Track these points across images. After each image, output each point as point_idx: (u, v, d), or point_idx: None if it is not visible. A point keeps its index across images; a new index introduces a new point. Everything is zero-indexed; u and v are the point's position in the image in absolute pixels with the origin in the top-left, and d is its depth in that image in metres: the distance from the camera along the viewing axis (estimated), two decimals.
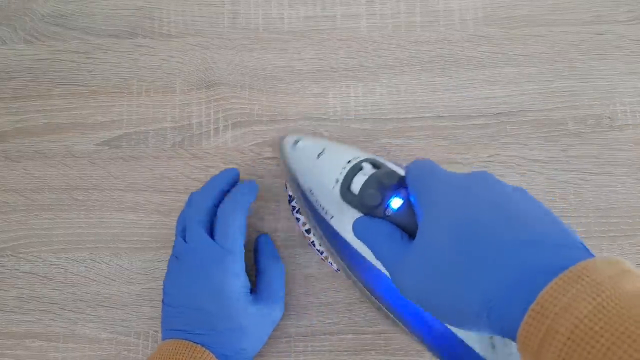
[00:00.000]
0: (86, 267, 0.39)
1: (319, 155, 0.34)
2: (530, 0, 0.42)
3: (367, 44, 0.42)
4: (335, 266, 0.38)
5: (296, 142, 0.36)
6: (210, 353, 0.32)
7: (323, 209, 0.33)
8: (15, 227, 0.40)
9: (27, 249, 0.40)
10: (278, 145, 0.38)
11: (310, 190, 0.34)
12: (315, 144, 0.36)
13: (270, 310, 0.35)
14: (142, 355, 0.38)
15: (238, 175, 0.38)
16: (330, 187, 0.32)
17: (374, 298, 0.33)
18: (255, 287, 0.36)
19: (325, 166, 0.33)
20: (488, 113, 0.41)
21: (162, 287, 0.38)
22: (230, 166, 0.40)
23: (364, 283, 0.33)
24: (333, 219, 0.33)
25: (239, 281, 0.34)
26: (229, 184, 0.37)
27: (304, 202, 0.35)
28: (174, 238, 0.39)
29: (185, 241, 0.35)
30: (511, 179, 0.39)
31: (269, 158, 0.40)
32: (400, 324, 0.32)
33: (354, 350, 0.38)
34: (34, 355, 0.38)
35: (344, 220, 0.32)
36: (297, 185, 0.35)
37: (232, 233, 0.34)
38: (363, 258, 0.32)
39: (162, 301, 0.35)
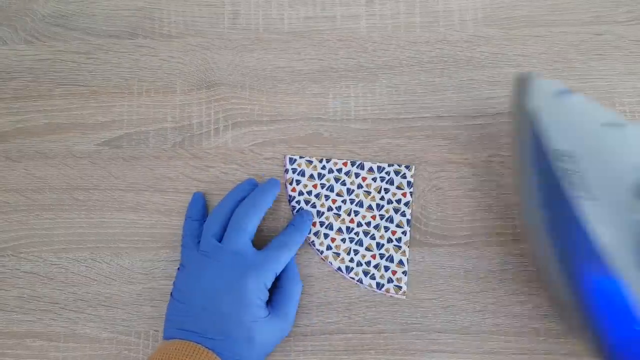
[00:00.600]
0: (87, 266, 0.39)
1: (610, 126, 0.28)
2: (529, 1, 0.42)
3: (366, 44, 0.42)
4: (335, 266, 0.38)
5: (563, 92, 0.30)
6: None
7: (582, 184, 0.28)
8: (16, 227, 0.40)
9: (28, 249, 0.40)
10: (518, 80, 0.34)
11: (568, 156, 0.28)
12: (603, 110, 0.30)
13: (282, 326, 0.35)
14: (142, 354, 0.38)
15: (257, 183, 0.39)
16: (623, 171, 0.27)
17: (572, 301, 0.28)
18: (270, 300, 0.36)
19: (625, 144, 0.28)
20: (488, 113, 0.41)
21: (162, 286, 0.39)
22: (231, 166, 0.40)
23: (578, 284, 0.28)
24: (590, 202, 0.27)
25: (262, 292, 0.34)
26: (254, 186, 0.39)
27: (536, 160, 0.30)
28: (174, 238, 0.39)
29: (218, 241, 0.35)
30: (511, 179, 0.39)
31: (269, 158, 0.40)
32: (588, 338, 0.28)
33: (354, 350, 0.38)
34: (34, 354, 0.38)
35: (610, 212, 0.27)
36: (536, 140, 0.30)
37: (243, 237, 0.35)
38: (599, 257, 0.27)
39: (172, 296, 0.35)
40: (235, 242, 0.35)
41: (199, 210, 0.39)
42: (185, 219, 0.39)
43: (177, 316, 0.34)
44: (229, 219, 0.36)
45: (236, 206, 0.37)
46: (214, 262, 0.34)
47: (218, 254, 0.34)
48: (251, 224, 0.36)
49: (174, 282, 0.36)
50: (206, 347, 0.32)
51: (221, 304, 0.33)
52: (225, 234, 0.35)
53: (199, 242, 0.36)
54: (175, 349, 0.32)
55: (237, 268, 0.34)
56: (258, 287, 0.34)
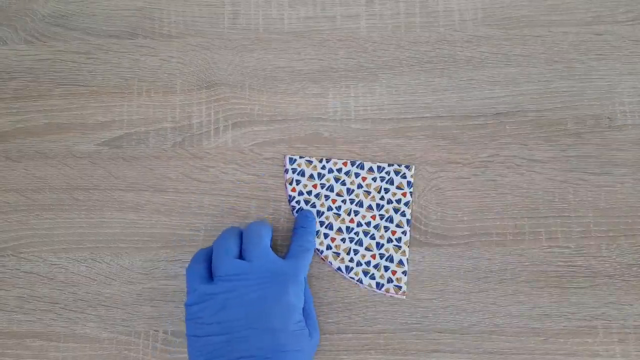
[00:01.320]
0: (87, 266, 0.39)
1: None
2: (529, 1, 0.42)
3: (366, 44, 0.42)
4: (335, 266, 0.38)
5: None
6: None
7: None
8: (16, 227, 0.40)
9: (28, 249, 0.40)
10: None
11: None
12: None
13: (314, 335, 0.35)
14: (142, 354, 0.38)
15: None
16: None
17: None
18: None
19: None
20: (488, 113, 0.41)
21: (162, 286, 0.39)
22: (231, 166, 0.40)
23: None
24: None
25: (301, 300, 0.34)
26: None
27: None
28: (174, 238, 0.39)
29: (245, 260, 0.34)
30: (511, 179, 0.39)
31: (269, 158, 0.40)
32: None
33: (354, 350, 0.38)
34: (34, 354, 0.38)
35: None
36: None
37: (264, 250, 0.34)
38: None
39: (195, 337, 0.32)
40: (261, 256, 0.34)
41: (206, 253, 0.36)
42: (189, 266, 0.35)
43: (217, 350, 0.32)
44: (240, 243, 0.35)
45: (240, 234, 0.36)
46: (248, 281, 0.33)
47: (250, 272, 0.33)
48: (266, 238, 0.35)
49: (191, 323, 0.33)
50: None
51: (272, 319, 0.32)
52: (245, 251, 0.34)
53: (206, 278, 0.34)
54: None
55: (276, 280, 0.33)
56: (297, 295, 0.33)
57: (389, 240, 0.39)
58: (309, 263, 0.36)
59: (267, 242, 0.35)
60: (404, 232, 0.39)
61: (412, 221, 0.39)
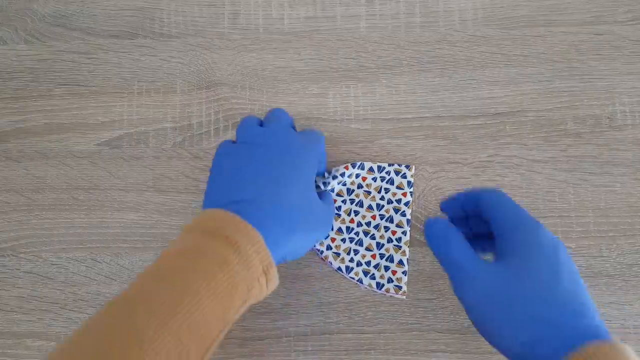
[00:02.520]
0: (87, 266, 0.39)
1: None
2: (529, 1, 0.42)
3: (366, 44, 0.42)
4: (335, 266, 0.38)
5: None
6: (257, 232, 0.29)
7: None
8: (16, 227, 0.40)
9: (28, 249, 0.40)
10: None
11: None
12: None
13: (328, 211, 0.35)
14: None
15: None
16: None
17: None
18: None
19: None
20: (488, 113, 0.41)
21: None
22: None
23: None
24: None
25: (315, 159, 0.34)
26: None
27: None
28: (175, 238, 0.39)
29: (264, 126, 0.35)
30: (511, 179, 0.39)
31: None
32: None
33: (354, 350, 0.38)
34: (34, 354, 0.38)
35: None
36: None
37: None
38: None
39: (220, 174, 0.33)
40: (277, 125, 0.34)
41: None
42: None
43: (226, 190, 0.32)
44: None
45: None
46: (264, 139, 0.33)
47: (265, 134, 0.34)
48: (286, 120, 0.36)
49: (214, 169, 0.34)
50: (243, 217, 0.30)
51: (280, 170, 0.32)
52: (265, 123, 0.35)
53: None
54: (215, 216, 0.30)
55: (290, 139, 0.34)
56: (310, 154, 0.34)
57: (389, 240, 0.39)
58: (322, 148, 0.36)
59: (287, 121, 0.36)
60: (404, 232, 0.39)
61: (412, 221, 0.39)
